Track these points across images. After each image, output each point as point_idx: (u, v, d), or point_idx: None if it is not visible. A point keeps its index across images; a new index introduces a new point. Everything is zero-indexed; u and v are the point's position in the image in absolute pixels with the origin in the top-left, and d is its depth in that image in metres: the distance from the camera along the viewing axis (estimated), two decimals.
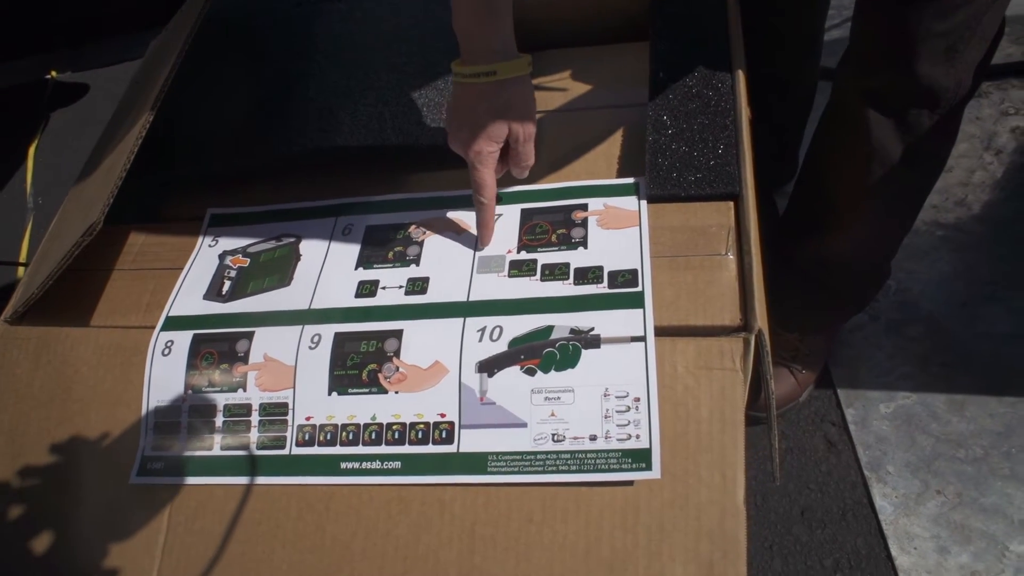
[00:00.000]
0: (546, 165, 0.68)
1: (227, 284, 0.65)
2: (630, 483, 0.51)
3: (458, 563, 0.52)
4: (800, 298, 0.90)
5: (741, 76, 0.67)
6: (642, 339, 0.54)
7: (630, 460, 0.51)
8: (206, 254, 0.68)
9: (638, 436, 0.51)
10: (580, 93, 0.75)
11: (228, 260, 0.67)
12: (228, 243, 0.69)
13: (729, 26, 0.71)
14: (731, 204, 0.61)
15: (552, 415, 0.53)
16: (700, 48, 0.70)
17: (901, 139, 0.68)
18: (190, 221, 0.72)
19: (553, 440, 0.53)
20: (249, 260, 0.67)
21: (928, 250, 1.08)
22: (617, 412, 0.52)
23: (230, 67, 0.77)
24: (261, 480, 0.57)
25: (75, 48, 1.88)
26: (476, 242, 0.63)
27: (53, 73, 1.76)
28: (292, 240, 0.67)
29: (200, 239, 0.70)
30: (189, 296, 0.65)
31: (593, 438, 0.52)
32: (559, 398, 0.54)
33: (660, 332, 0.55)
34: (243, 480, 0.57)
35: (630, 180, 0.64)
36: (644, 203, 0.62)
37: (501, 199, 0.65)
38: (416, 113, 0.70)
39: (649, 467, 0.50)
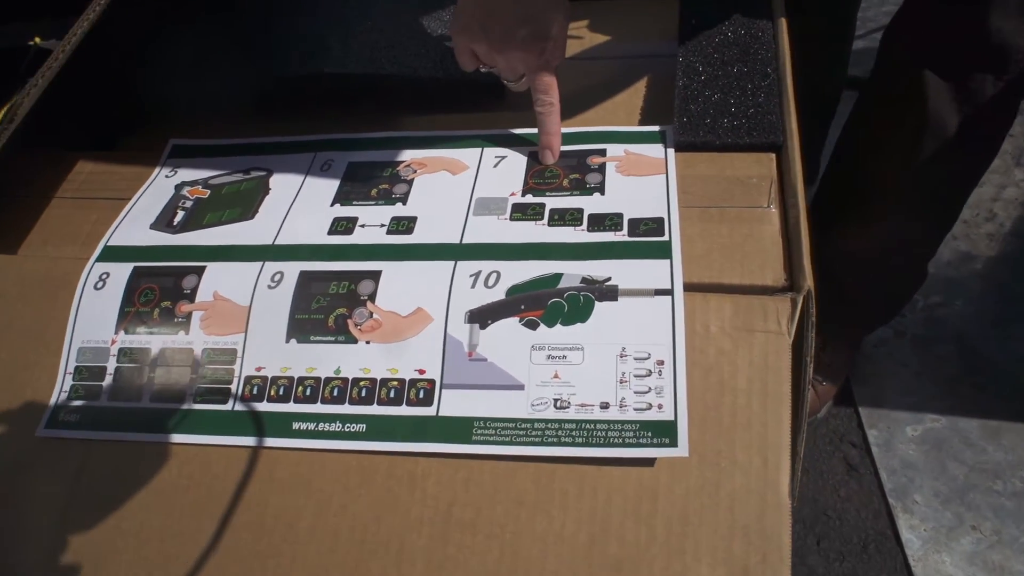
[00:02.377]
0: None
1: (180, 215, 0.56)
2: (649, 463, 0.41)
3: (427, 552, 0.42)
4: (823, 300, 0.82)
5: (783, 25, 0.59)
6: (668, 292, 0.45)
7: (650, 434, 0.41)
8: (161, 184, 0.59)
9: (660, 406, 0.42)
10: (598, 43, 0.68)
11: (185, 191, 0.58)
12: (188, 174, 0.59)
13: None
14: (772, 156, 0.53)
15: (555, 377, 0.44)
16: None
17: (959, 109, 0.61)
18: (149, 152, 0.62)
19: (555, 407, 0.43)
20: (210, 192, 0.57)
21: (957, 264, 1.00)
22: (635, 376, 0.43)
23: None
24: (195, 439, 0.47)
25: (60, 18, 1.80)
26: (540, 155, 0.54)
27: (36, 40, 1.67)
28: (262, 174, 0.58)
29: (157, 169, 0.60)
30: (134, 225, 0.55)
31: (605, 406, 0.43)
32: (565, 357, 0.44)
33: (689, 289, 0.46)
34: (173, 439, 0.47)
35: (655, 128, 0.56)
36: (672, 151, 0.54)
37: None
38: (416, 44, 0.61)
39: (674, 443, 0.41)
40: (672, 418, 0.41)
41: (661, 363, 0.43)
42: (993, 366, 0.91)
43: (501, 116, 0.60)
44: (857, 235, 0.73)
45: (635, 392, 0.43)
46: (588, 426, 0.42)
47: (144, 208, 0.57)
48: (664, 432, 0.41)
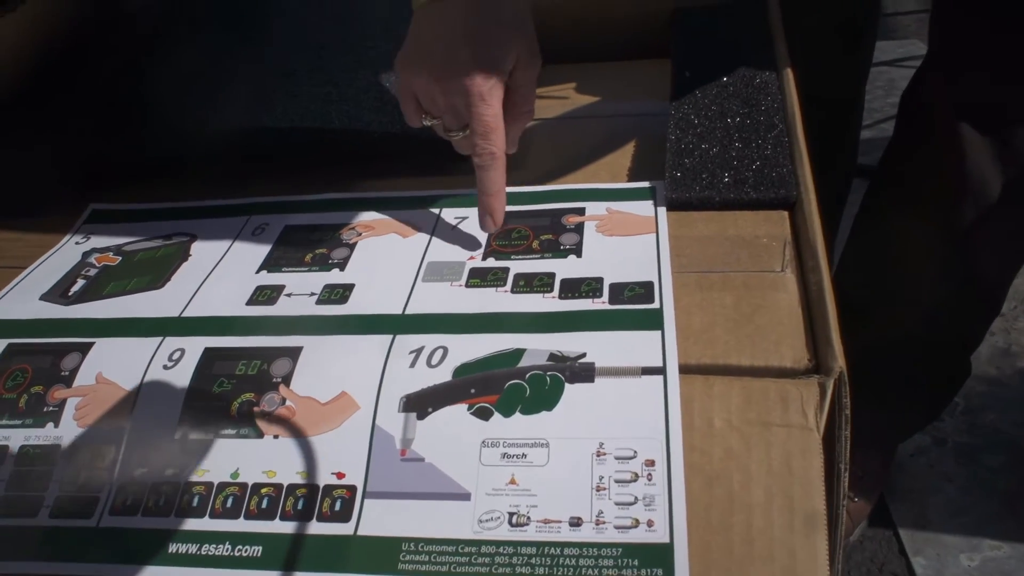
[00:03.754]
0: (530, 174, 0.52)
1: (79, 284, 0.47)
2: None
3: None
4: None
5: (790, 75, 0.53)
6: (660, 371, 0.35)
7: (636, 562, 0.30)
8: (68, 252, 0.51)
9: (650, 523, 0.31)
10: (583, 103, 0.61)
11: (93, 258, 0.49)
12: (102, 241, 0.51)
13: (771, 27, 0.57)
14: (784, 214, 0.44)
15: (511, 482, 0.33)
16: (735, 49, 0.56)
17: (1002, 170, 0.53)
18: (65, 217, 0.55)
19: (510, 523, 0.32)
20: (121, 259, 0.49)
21: (997, 362, 0.90)
22: (617, 482, 0.32)
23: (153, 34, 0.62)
24: (44, 568, 0.35)
25: None
26: (480, 222, 0.45)
27: None
28: (184, 239, 0.50)
29: (68, 236, 0.52)
30: (22, 296, 0.47)
31: (576, 523, 0.32)
32: (525, 456, 0.34)
33: (686, 371, 0.36)
34: (20, 568, 0.36)
35: (644, 184, 0.48)
36: (663, 210, 0.45)
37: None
38: (371, 100, 0.55)
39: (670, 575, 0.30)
40: (667, 540, 0.30)
41: (651, 464, 0.32)
42: None
43: (467, 179, 0.52)
44: (890, 320, 0.63)
45: (616, 504, 0.32)
46: (553, 551, 0.31)
47: (40, 278, 0.48)
48: (656, 560, 0.30)
